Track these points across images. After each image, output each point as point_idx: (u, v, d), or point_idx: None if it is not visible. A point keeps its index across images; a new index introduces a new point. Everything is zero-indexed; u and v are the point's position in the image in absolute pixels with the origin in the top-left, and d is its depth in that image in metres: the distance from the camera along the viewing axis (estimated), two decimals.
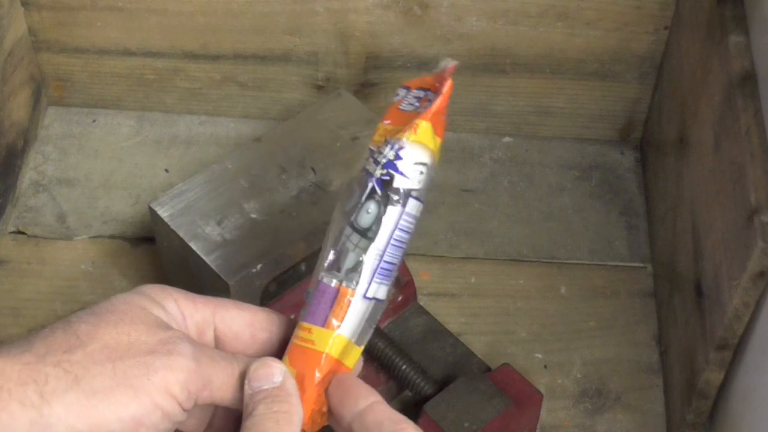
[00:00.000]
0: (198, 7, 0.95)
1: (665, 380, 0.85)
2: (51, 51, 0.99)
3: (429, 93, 0.54)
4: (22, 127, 0.98)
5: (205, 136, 1.02)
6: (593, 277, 0.92)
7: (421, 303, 0.85)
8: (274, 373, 0.51)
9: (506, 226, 0.96)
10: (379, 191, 0.52)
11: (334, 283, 0.52)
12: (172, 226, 0.79)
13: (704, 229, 0.76)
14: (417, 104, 0.53)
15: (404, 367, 0.78)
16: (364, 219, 0.52)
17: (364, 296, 0.52)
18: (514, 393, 0.75)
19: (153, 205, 0.80)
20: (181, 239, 0.78)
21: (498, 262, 0.93)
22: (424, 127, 0.53)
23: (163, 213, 0.79)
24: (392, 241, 0.52)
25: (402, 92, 0.55)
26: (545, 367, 0.86)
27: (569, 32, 0.94)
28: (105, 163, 0.99)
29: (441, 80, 0.53)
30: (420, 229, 0.95)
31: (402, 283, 0.83)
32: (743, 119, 0.70)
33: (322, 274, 0.52)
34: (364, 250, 0.51)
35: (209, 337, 0.53)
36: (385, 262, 0.52)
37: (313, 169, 0.83)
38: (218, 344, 0.54)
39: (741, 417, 0.72)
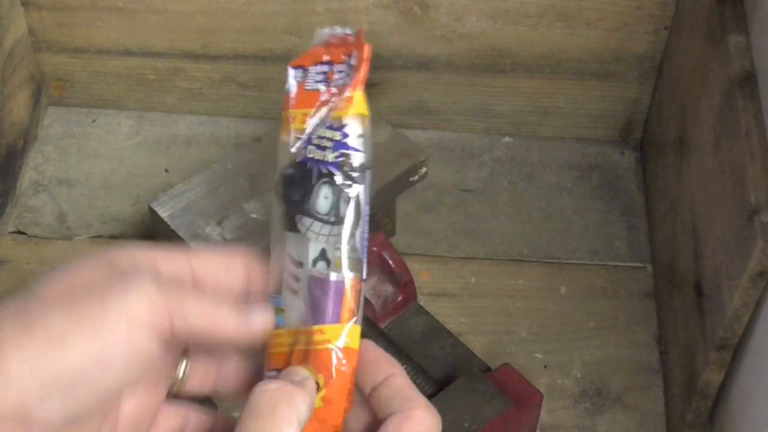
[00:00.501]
0: (198, 7, 0.95)
1: (665, 380, 0.85)
2: (51, 51, 0.99)
3: (334, 65, 0.51)
4: (22, 127, 0.98)
5: (205, 136, 1.02)
6: (593, 277, 0.92)
7: (421, 303, 0.84)
8: (298, 373, 0.48)
9: (506, 226, 0.96)
10: (339, 174, 0.50)
11: (333, 276, 0.50)
12: (172, 226, 0.79)
13: (704, 229, 0.76)
14: (323, 79, 0.51)
15: (404, 367, 0.78)
16: (323, 205, 0.50)
17: (363, 279, 0.51)
18: (514, 393, 0.75)
19: (153, 205, 0.80)
20: (181, 239, 0.78)
21: (498, 262, 0.93)
22: (359, 97, 0.51)
23: (163, 213, 0.79)
24: (365, 217, 0.51)
25: (297, 73, 0.52)
26: (545, 367, 0.86)
27: (569, 32, 0.94)
28: (105, 163, 0.99)
29: (351, 47, 0.51)
30: (420, 229, 0.96)
31: (402, 283, 0.83)
32: (743, 119, 0.70)
33: (310, 270, 0.50)
34: (337, 235, 0.50)
35: (187, 284, 0.51)
36: (365, 239, 0.51)
37: None
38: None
39: (741, 417, 0.72)
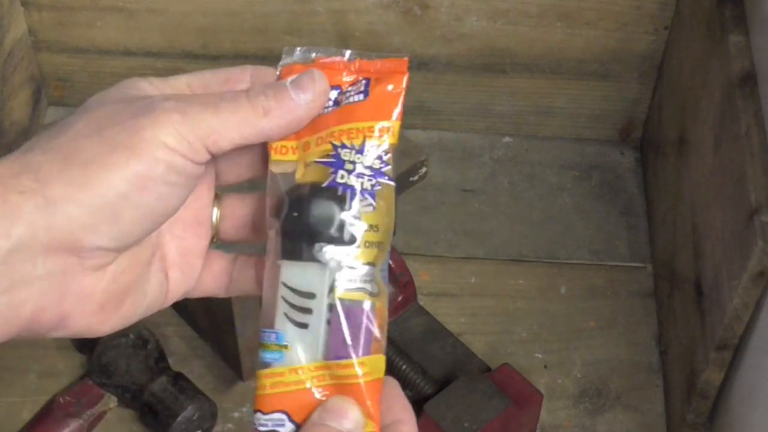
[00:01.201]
0: (198, 7, 0.95)
1: (665, 380, 0.85)
2: (51, 51, 0.99)
3: (342, 91, 0.49)
4: (22, 127, 0.98)
5: None
6: (593, 277, 0.92)
7: (421, 303, 0.84)
8: (348, 417, 0.46)
9: (506, 226, 0.96)
10: (372, 201, 0.48)
11: (367, 305, 0.48)
12: None
13: (704, 229, 0.76)
14: (332, 105, 0.49)
15: (404, 367, 0.78)
16: (347, 232, 0.47)
17: (387, 306, 0.49)
18: (514, 393, 0.76)
19: None
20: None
21: (498, 262, 0.93)
22: (397, 127, 0.51)
23: None
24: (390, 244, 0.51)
25: None
26: (545, 367, 0.86)
27: (569, 32, 0.94)
28: None
29: (387, 75, 0.50)
30: (420, 229, 0.96)
31: (402, 283, 0.83)
32: (743, 119, 0.70)
33: (331, 299, 0.47)
34: (357, 257, 0.48)
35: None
36: (387, 266, 0.51)
37: None
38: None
39: (741, 417, 0.72)
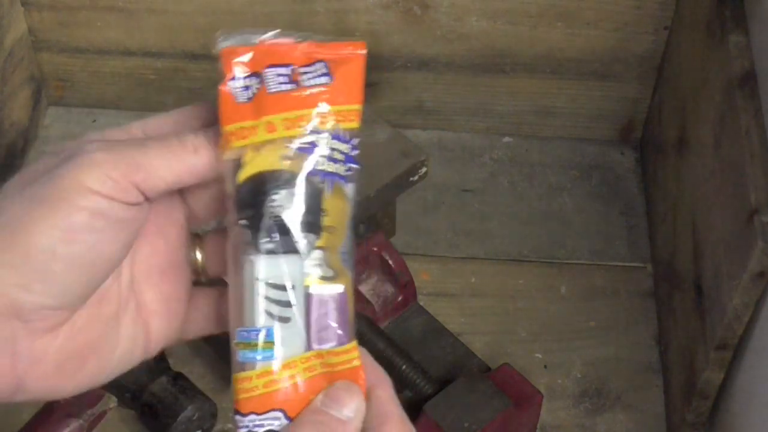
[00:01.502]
0: (198, 7, 0.95)
1: (665, 380, 0.85)
2: (51, 51, 0.99)
3: (296, 68, 0.46)
4: (22, 127, 0.98)
5: None
6: (593, 277, 0.92)
7: (421, 303, 0.84)
8: (347, 406, 0.46)
9: (506, 226, 0.96)
10: (346, 184, 0.47)
11: (341, 288, 0.46)
12: None
13: (704, 229, 0.76)
14: (287, 82, 0.46)
15: (404, 367, 0.78)
16: (322, 219, 0.46)
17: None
18: (514, 393, 0.75)
19: None
20: None
21: (498, 262, 0.93)
22: (360, 110, 0.48)
23: None
24: (352, 227, 0.48)
25: (246, 78, 0.48)
26: (545, 367, 0.86)
27: (569, 32, 0.94)
28: None
29: (345, 57, 0.47)
30: (420, 229, 0.96)
31: (402, 283, 0.83)
32: (743, 119, 0.70)
33: (310, 290, 0.46)
34: (334, 247, 0.46)
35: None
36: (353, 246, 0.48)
37: None
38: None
39: (741, 417, 0.72)
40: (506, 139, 1.03)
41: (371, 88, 1.00)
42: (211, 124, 0.48)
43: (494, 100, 1.00)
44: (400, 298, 0.83)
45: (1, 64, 0.92)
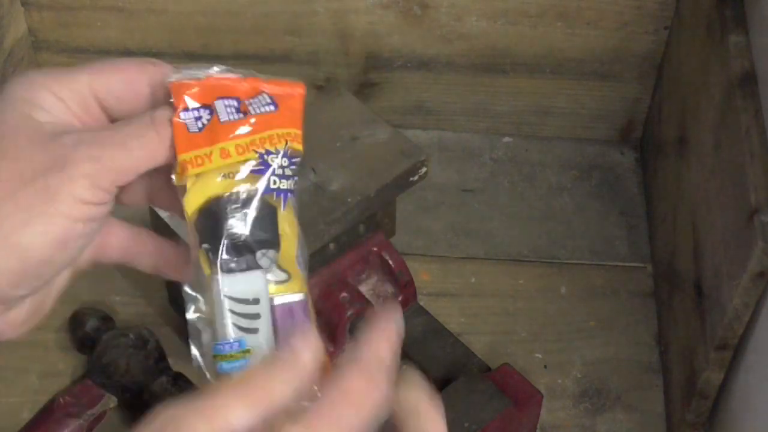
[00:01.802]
0: (198, 7, 0.95)
1: (665, 380, 0.85)
2: (51, 51, 0.99)
3: (243, 100, 0.50)
4: None
5: None
6: (593, 277, 0.92)
7: (421, 303, 0.84)
8: (301, 353, 0.45)
9: (506, 226, 0.96)
10: (293, 197, 0.50)
11: (301, 296, 0.49)
12: (172, 226, 0.78)
13: (704, 229, 0.76)
14: (236, 111, 0.50)
15: (404, 367, 0.78)
16: (279, 233, 0.49)
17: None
18: (514, 393, 0.76)
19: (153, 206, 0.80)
20: (181, 239, 0.78)
21: (498, 262, 0.93)
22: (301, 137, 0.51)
23: (163, 213, 0.79)
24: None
25: (196, 110, 0.50)
26: (545, 367, 0.86)
27: (569, 32, 0.94)
28: None
29: (287, 93, 0.51)
30: (420, 229, 0.96)
31: (402, 283, 0.83)
32: (743, 119, 0.70)
33: (276, 300, 0.48)
34: (291, 257, 0.50)
35: (95, 110, 0.51)
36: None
37: (313, 169, 0.83)
38: (106, 112, 0.51)
39: (741, 417, 0.72)
40: (506, 139, 1.03)
41: (371, 88, 1.00)
42: (158, 83, 0.51)
43: (494, 100, 1.01)
44: (400, 298, 0.83)
45: (1, 64, 0.92)
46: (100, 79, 0.51)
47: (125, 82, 0.51)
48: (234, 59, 0.98)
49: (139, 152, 0.48)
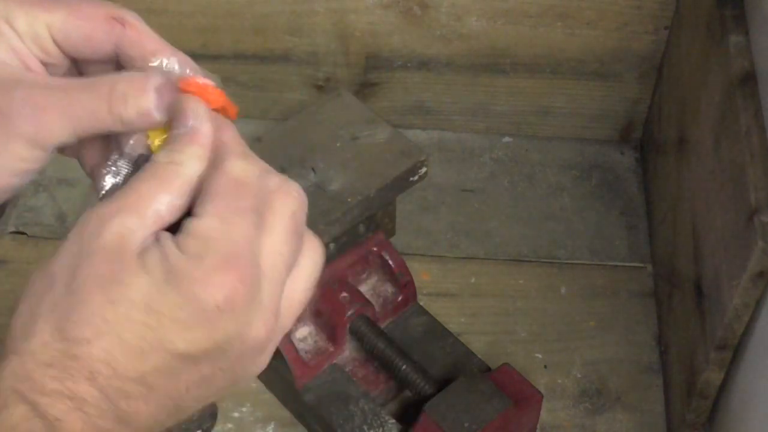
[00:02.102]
0: (198, 7, 0.95)
1: (665, 380, 0.85)
2: None
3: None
4: None
5: None
6: (593, 277, 0.92)
7: (421, 303, 0.84)
8: (191, 115, 0.48)
9: (506, 226, 0.96)
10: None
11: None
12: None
13: (704, 229, 0.76)
14: None
15: (404, 367, 0.78)
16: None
17: None
18: (514, 393, 0.75)
19: None
20: None
21: (498, 262, 0.93)
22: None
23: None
24: None
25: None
26: (545, 367, 0.86)
27: (569, 32, 0.94)
28: None
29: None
30: (420, 229, 0.96)
31: (402, 283, 0.83)
32: (743, 119, 0.70)
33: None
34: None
35: (53, 50, 0.51)
36: None
37: (313, 169, 0.83)
38: (65, 53, 0.52)
39: (741, 417, 0.72)
40: (506, 139, 1.03)
41: (371, 88, 1.00)
42: (125, 46, 0.51)
43: (494, 100, 1.01)
44: (400, 298, 0.83)
45: None
46: (61, 21, 0.51)
47: (86, 39, 0.51)
48: (234, 59, 0.98)
49: (86, 123, 0.49)
